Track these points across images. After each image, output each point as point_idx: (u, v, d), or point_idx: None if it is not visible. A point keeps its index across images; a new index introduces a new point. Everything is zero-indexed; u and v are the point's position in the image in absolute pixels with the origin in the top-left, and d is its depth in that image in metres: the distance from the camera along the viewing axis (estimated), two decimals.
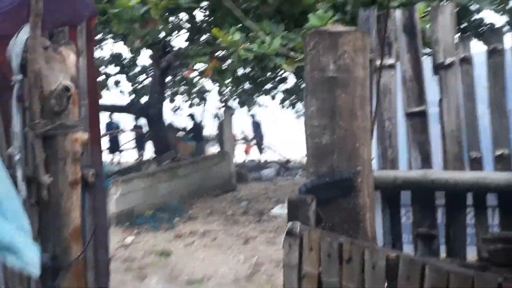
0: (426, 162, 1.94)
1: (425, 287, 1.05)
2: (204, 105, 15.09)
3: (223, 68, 6.72)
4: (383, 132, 1.92)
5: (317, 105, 1.46)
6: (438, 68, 1.91)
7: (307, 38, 1.50)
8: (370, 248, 1.20)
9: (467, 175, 1.82)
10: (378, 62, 1.91)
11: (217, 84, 12.85)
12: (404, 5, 5.28)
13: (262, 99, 14.44)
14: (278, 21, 5.89)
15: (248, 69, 9.30)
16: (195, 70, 8.02)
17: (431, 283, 1.05)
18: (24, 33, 2.01)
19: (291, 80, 13.33)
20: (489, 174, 1.81)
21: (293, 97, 14.17)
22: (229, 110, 11.31)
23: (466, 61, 1.90)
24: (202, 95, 14.68)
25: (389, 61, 1.97)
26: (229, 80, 8.82)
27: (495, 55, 1.87)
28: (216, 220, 7.22)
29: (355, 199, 1.45)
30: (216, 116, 14.48)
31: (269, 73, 10.12)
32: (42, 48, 2.01)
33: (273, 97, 14.23)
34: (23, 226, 1.81)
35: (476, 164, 1.89)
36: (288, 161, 14.66)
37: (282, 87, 13.50)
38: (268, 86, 13.38)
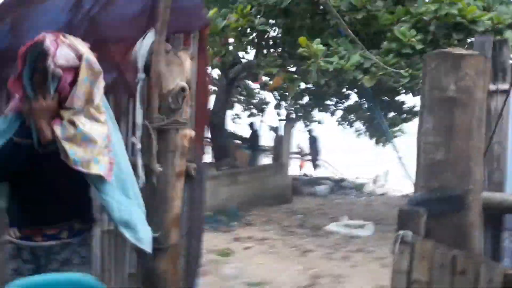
0: None
1: None
2: (262, 116, 15.37)
3: (295, 77, 6.89)
4: (491, 155, 1.95)
5: (434, 123, 1.54)
6: None
7: (428, 58, 1.60)
8: (487, 263, 1.25)
9: None
10: (491, 87, 1.96)
11: (278, 97, 13.08)
12: (490, 32, 5.20)
13: (321, 115, 14.42)
14: (353, 41, 5.99)
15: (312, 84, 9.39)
16: (264, 81, 8.28)
17: None
18: (149, 38, 2.28)
19: (353, 99, 13.28)
20: None
21: (352, 115, 14.01)
22: (289, 123, 11.46)
23: None
24: (261, 106, 14.96)
25: (503, 86, 2.02)
26: (292, 94, 8.96)
27: None
28: (273, 229, 7.34)
29: (465, 217, 1.51)
30: (273, 128, 14.67)
31: (344, 88, 10.10)
32: (164, 52, 2.26)
33: (332, 114, 14.17)
34: (140, 205, 2.04)
35: None
36: (342, 179, 14.50)
37: (344, 104, 13.44)
38: (329, 102, 13.40)
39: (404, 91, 9.87)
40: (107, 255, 2.74)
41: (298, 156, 15.62)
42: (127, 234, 1.95)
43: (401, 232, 1.55)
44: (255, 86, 13.65)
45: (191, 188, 2.47)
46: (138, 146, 2.31)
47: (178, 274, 2.35)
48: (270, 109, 14.45)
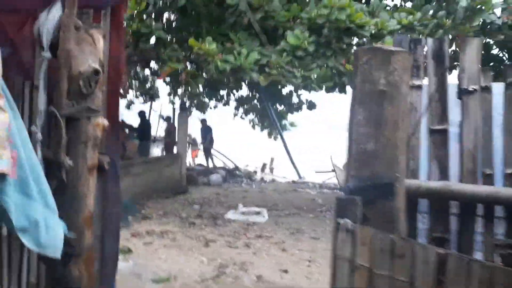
0: (443, 174, 2.18)
1: (472, 280, 1.23)
2: (152, 104, 14.73)
3: (197, 73, 6.72)
4: (407, 145, 2.13)
5: (365, 115, 1.61)
6: (462, 93, 2.18)
7: (359, 53, 1.66)
8: (422, 245, 1.36)
9: (482, 189, 2.08)
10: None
11: (171, 85, 12.68)
12: (374, 36, 5.72)
13: (215, 104, 14.41)
14: (252, 34, 6.07)
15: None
16: (167, 74, 7.91)
17: (478, 277, 1.23)
18: (56, 10, 1.97)
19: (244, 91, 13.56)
20: (501, 189, 2.09)
21: (245, 106, 14.32)
22: (184, 112, 11.20)
23: (487, 89, 2.19)
24: (151, 93, 14.30)
25: (417, 82, 2.21)
26: (195, 89, 8.77)
27: (511, 87, 2.18)
28: (171, 221, 7.13)
29: (393, 202, 1.62)
30: (164, 117, 14.19)
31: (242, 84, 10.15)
32: (74, 28, 1.97)
33: (225, 104, 14.29)
34: (49, 205, 1.76)
35: (488, 180, 2.17)
36: (236, 168, 14.78)
37: (236, 94, 13.64)
38: (222, 92, 13.46)
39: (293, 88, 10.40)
40: None
41: (190, 145, 15.43)
42: (24, 239, 1.67)
43: (341, 220, 1.60)
44: (147, 72, 13.01)
45: (104, 183, 2.22)
46: (39, 136, 1.99)
47: (93, 279, 2.11)
48: (162, 98, 13.92)
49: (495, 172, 2.19)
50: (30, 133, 1.97)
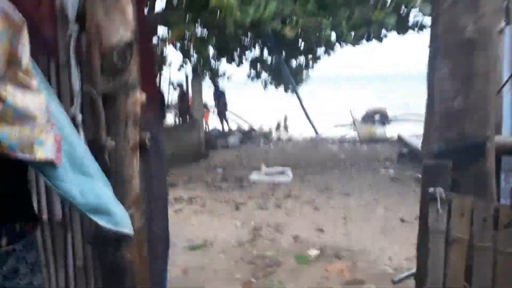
0: None
1: None
2: (161, 72, 14.46)
3: (206, 39, 6.40)
4: None
5: (451, 67, 1.43)
6: None
7: None
8: None
9: None
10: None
11: (180, 50, 12.33)
12: None
13: (227, 67, 14.06)
14: None
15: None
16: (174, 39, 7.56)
17: None
18: None
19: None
20: None
21: (258, 66, 13.90)
22: (197, 78, 10.95)
23: None
24: (162, 59, 14.01)
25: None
26: (206, 55, 8.42)
27: None
28: (198, 186, 7.13)
29: (484, 165, 1.47)
30: (176, 84, 13.93)
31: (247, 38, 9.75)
32: None
33: (238, 65, 13.89)
34: (106, 183, 1.67)
35: None
36: (251, 129, 14.67)
37: (249, 54, 13.23)
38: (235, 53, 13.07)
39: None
40: (44, 250, 2.30)
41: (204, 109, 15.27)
42: (101, 221, 1.58)
43: (432, 189, 1.45)
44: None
45: (148, 161, 2.10)
46: (79, 117, 1.85)
47: (146, 263, 2.04)
48: (173, 64, 13.60)
49: None
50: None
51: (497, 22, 1.48)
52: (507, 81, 1.89)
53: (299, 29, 5.18)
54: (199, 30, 7.19)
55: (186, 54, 11.72)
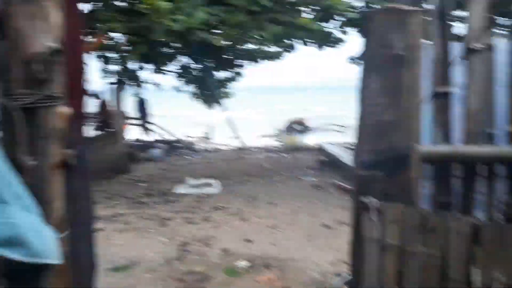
0: (446, 138, 2.18)
1: (507, 246, 1.25)
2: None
3: (139, 40, 6.18)
4: None
5: (381, 83, 1.53)
6: (467, 53, 2.15)
7: (373, 14, 1.54)
8: (454, 217, 1.35)
9: (487, 149, 2.11)
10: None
11: (102, 58, 11.74)
12: None
13: (151, 76, 13.62)
14: None
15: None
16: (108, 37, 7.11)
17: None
18: None
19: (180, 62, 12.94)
20: (505, 148, 2.13)
21: (184, 77, 13.71)
22: (119, 87, 10.49)
23: (490, 48, 2.18)
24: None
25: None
26: (136, 58, 8.15)
27: None
28: (120, 203, 6.79)
29: (409, 173, 1.59)
30: (94, 93, 13.21)
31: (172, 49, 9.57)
32: (22, 1, 1.64)
33: (162, 74, 13.55)
34: (28, 207, 1.51)
35: (490, 139, 2.21)
36: (177, 140, 14.38)
37: (173, 64, 12.99)
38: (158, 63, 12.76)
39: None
40: None
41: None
42: (14, 254, 1.43)
43: (365, 199, 1.54)
44: None
45: (72, 180, 1.96)
46: None
47: None
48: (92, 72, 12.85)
49: (497, 132, 2.23)
50: None
51: (420, 40, 1.63)
52: (430, 95, 2.08)
53: (227, 39, 5.22)
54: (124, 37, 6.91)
55: (107, 62, 11.19)
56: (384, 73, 1.56)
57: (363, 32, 1.66)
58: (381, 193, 1.56)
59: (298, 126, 15.55)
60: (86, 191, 2.04)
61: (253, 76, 12.97)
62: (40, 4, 1.69)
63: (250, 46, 5.55)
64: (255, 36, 5.26)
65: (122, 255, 4.58)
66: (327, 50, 9.25)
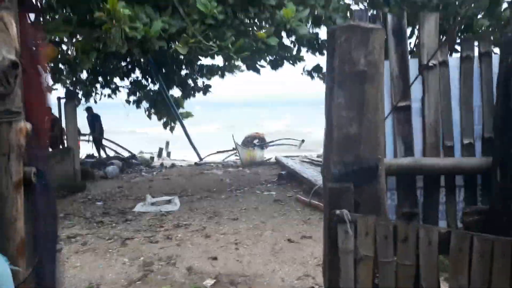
0: (408, 150, 2.26)
1: (474, 254, 1.30)
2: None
3: (90, 46, 5.93)
4: None
5: (346, 97, 1.56)
6: (422, 69, 2.25)
7: (337, 31, 1.58)
8: (424, 227, 1.39)
9: (447, 161, 2.21)
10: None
11: (51, 71, 11.25)
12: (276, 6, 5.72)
13: (105, 91, 13.20)
14: (154, 6, 5.60)
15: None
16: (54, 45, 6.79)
17: (479, 250, 1.30)
18: None
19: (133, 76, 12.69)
20: (463, 160, 2.24)
21: (137, 93, 13.41)
22: (71, 101, 10.07)
23: (444, 64, 2.30)
24: None
25: None
26: (87, 67, 7.87)
27: (466, 61, 2.33)
28: (76, 223, 6.46)
29: (377, 185, 1.62)
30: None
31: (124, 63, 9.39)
32: None
33: (114, 91, 13.20)
34: None
35: (449, 151, 2.31)
36: (132, 157, 13.99)
37: (126, 80, 12.71)
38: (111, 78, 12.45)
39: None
40: None
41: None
42: None
43: (338, 211, 1.55)
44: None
45: (34, 199, 1.83)
46: None
47: None
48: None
49: (454, 144, 2.35)
50: None
51: (383, 57, 1.70)
52: (391, 110, 2.16)
53: (191, 45, 5.16)
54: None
55: (56, 74, 10.74)
56: (348, 88, 1.60)
57: (326, 48, 1.71)
58: (352, 204, 1.59)
59: (256, 140, 15.63)
60: (49, 209, 1.92)
61: (208, 91, 12.90)
62: None
63: (208, 59, 5.61)
64: (214, 47, 5.26)
65: (81, 277, 4.35)
66: (283, 68, 9.46)
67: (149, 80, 12.70)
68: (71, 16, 5.81)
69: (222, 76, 11.44)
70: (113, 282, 4.23)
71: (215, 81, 11.66)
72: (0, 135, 1.62)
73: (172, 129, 13.31)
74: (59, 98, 10.67)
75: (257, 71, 9.23)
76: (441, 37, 2.37)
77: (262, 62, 9.12)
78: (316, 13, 7.09)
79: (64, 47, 6.73)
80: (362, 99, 1.60)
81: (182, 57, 9.40)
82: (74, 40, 6.07)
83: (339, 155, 1.64)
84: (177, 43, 5.39)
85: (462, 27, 6.86)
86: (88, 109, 13.59)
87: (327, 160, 1.70)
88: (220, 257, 4.85)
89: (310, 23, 7.51)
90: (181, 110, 13.04)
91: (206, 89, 12.83)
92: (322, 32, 8.23)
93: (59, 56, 7.43)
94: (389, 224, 1.46)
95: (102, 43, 5.34)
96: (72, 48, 6.11)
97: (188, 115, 13.01)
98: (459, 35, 6.78)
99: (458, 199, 2.36)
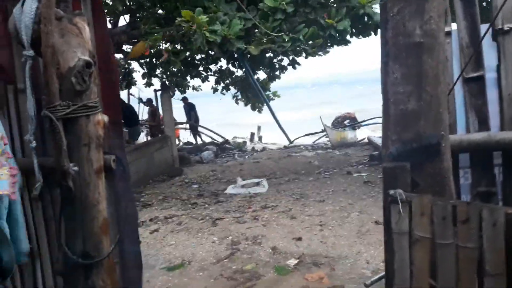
0: (483, 125, 2.07)
1: None
2: (130, 88, 14.27)
3: (179, 49, 6.38)
4: None
5: (402, 71, 1.47)
6: (497, 34, 2.03)
7: (389, 3, 1.49)
8: (488, 207, 1.26)
9: None
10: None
11: (145, 66, 12.20)
12: None
13: (194, 81, 13.96)
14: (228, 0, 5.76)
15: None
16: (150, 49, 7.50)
17: None
18: (32, 1, 1.73)
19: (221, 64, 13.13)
20: None
21: (227, 80, 13.90)
22: (166, 93, 10.86)
23: None
24: (128, 79, 13.82)
25: (445, 28, 2.03)
26: (178, 67, 8.42)
27: None
28: (173, 205, 7.02)
29: (440, 163, 1.51)
30: (142, 100, 13.80)
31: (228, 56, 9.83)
32: (55, 19, 1.75)
33: (203, 80, 13.85)
34: None
35: None
36: (226, 142, 14.63)
37: (214, 68, 13.23)
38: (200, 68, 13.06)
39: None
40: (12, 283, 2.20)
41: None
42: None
43: (392, 191, 1.48)
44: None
45: (114, 184, 2.06)
46: (33, 144, 1.81)
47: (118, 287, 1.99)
48: (137, 81, 13.45)
49: None
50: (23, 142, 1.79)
51: (443, 25, 1.54)
52: (455, 82, 1.96)
53: (263, 47, 5.24)
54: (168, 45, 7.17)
55: (152, 69, 11.62)
56: (404, 61, 1.48)
57: (380, 21, 1.59)
58: (410, 184, 1.49)
59: (346, 121, 15.19)
60: (127, 193, 2.14)
61: (288, 74, 12.78)
62: (72, 21, 1.80)
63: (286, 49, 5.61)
64: (286, 41, 5.22)
65: (175, 254, 4.75)
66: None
67: (236, 65, 13.04)
68: (161, 14, 6.23)
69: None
70: (203, 259, 4.55)
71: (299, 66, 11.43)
72: (79, 128, 1.83)
73: (260, 111, 13.58)
74: (155, 90, 11.55)
75: (345, 43, 8.91)
76: None
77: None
78: None
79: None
80: (420, 72, 1.47)
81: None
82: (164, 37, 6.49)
83: (397, 133, 1.54)
84: (251, 44, 5.48)
85: None
86: (184, 99, 14.52)
87: (385, 139, 1.61)
88: (304, 238, 4.90)
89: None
90: (267, 93, 13.20)
91: (293, 64, 12.73)
92: None
93: (152, 51, 8.00)
94: (447, 204, 1.35)
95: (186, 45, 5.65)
96: (164, 51, 6.56)
97: (275, 94, 13.12)
98: None
99: None
